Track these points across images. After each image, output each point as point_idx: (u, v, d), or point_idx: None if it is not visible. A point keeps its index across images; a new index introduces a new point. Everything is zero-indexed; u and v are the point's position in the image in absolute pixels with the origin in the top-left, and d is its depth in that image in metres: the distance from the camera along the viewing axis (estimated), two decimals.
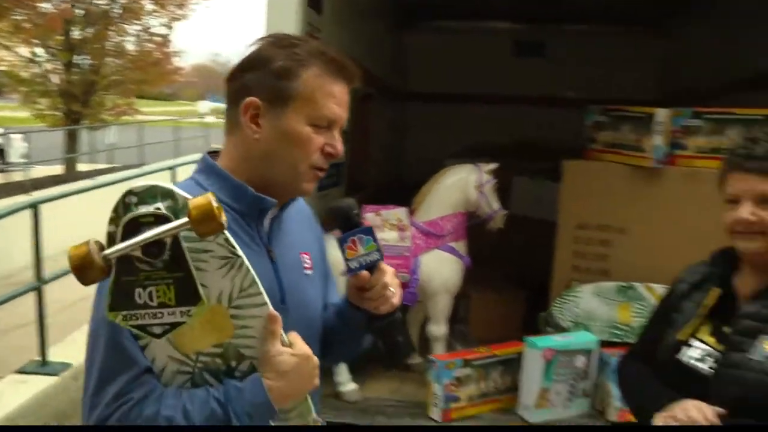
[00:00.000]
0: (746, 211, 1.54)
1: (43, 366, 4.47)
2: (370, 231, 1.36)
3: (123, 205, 1.12)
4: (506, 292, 3.69)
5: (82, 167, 15.97)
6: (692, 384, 1.61)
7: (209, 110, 58.61)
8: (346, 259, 1.33)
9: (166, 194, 1.14)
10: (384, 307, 1.38)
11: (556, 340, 2.74)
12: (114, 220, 1.12)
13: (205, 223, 1.08)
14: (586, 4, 4.98)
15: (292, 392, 1.26)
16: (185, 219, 1.09)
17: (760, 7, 3.70)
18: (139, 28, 16.50)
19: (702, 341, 1.67)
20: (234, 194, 1.31)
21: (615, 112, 3.20)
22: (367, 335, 1.48)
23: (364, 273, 1.34)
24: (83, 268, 1.06)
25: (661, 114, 2.90)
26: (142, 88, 17.60)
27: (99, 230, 1.18)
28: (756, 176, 1.53)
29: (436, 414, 2.66)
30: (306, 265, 1.44)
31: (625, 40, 5.75)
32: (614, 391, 2.66)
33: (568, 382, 2.72)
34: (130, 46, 16.54)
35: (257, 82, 1.30)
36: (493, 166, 3.14)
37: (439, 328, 2.98)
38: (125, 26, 16.30)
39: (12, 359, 4.82)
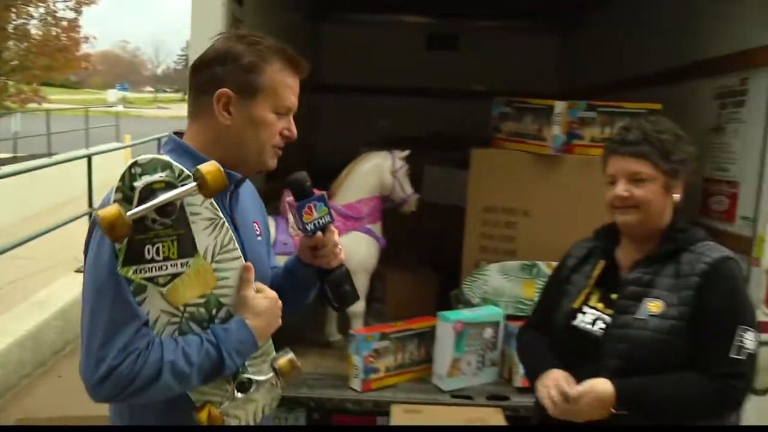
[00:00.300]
0: (621, 189, 1.81)
1: None
2: (322, 198, 1.62)
3: (129, 175, 1.35)
4: (420, 273, 3.90)
5: None
6: (586, 346, 1.87)
7: (117, 99, 56.90)
8: (304, 223, 1.59)
9: (166, 165, 1.38)
10: (334, 262, 1.66)
11: (465, 313, 2.97)
12: (120, 188, 1.35)
13: (214, 186, 1.34)
14: (496, 1, 5.23)
15: (266, 329, 1.53)
16: (194, 183, 1.33)
17: (645, 14, 4.08)
18: (43, 11, 15.92)
19: (593, 308, 1.93)
20: None
21: (518, 103, 3.44)
22: (313, 290, 1.74)
23: (319, 234, 1.60)
24: (114, 226, 1.27)
25: (559, 106, 3.16)
26: (48, 74, 16.94)
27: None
28: (628, 158, 1.80)
29: (356, 384, 2.84)
30: (257, 232, 1.69)
31: (530, 36, 6.07)
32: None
33: (478, 352, 2.95)
34: (35, 30, 15.92)
35: (227, 76, 1.52)
36: (405, 153, 3.35)
37: (357, 305, 3.17)
38: (29, 8, 15.67)
39: None
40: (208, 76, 1.54)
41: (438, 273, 3.88)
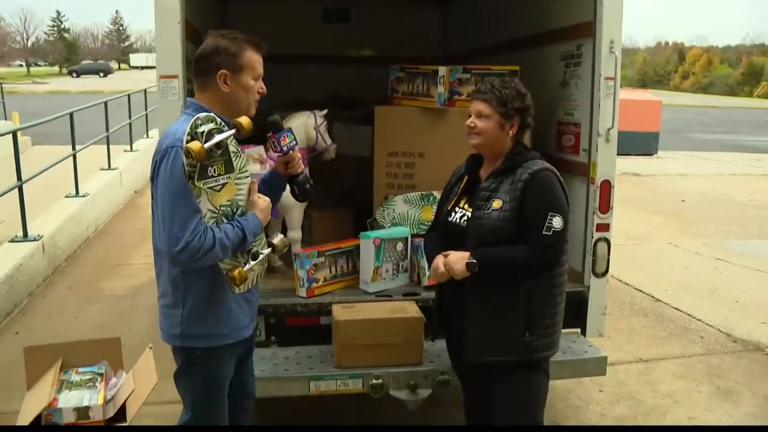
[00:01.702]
0: (469, 120, 2.75)
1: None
2: (290, 130, 2.64)
3: (195, 125, 2.25)
4: (337, 210, 4.74)
5: None
6: (457, 235, 2.82)
7: None
8: (281, 146, 2.57)
9: (213, 119, 2.31)
10: (299, 169, 2.65)
11: (381, 232, 3.83)
12: (189, 133, 2.24)
13: (248, 129, 2.33)
14: None
15: (265, 219, 2.50)
16: (234, 129, 2.31)
17: None
18: None
19: (461, 207, 2.88)
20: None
21: (410, 69, 4.29)
22: (281, 192, 2.76)
23: (290, 152, 2.61)
24: (200, 153, 2.21)
25: (442, 70, 4.03)
26: None
27: None
28: (478, 102, 2.76)
29: (302, 292, 3.63)
30: None
31: (415, 8, 6.91)
32: (424, 264, 3.79)
33: (393, 261, 3.82)
34: None
35: (222, 62, 2.42)
36: (324, 111, 4.15)
37: (296, 233, 3.99)
38: None
39: None
40: (209, 63, 2.44)
41: (352, 209, 4.72)
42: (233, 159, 2.39)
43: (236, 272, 2.42)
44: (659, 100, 19.66)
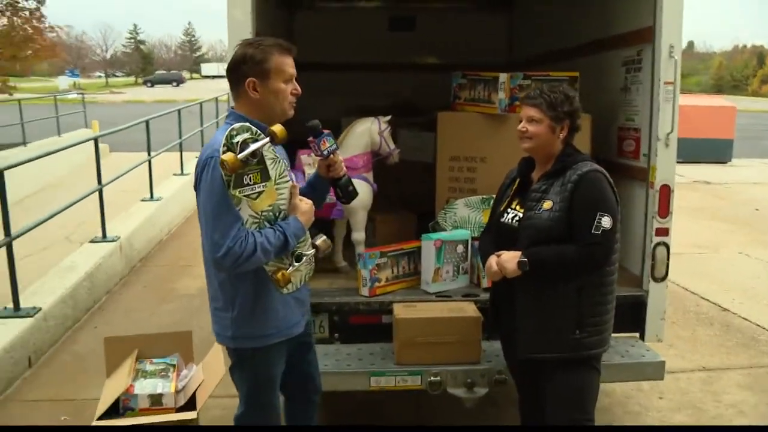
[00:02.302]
0: (521, 126, 2.84)
1: (16, 311, 5.24)
2: (330, 134, 2.69)
3: (230, 136, 2.35)
4: (400, 214, 4.85)
5: None
6: (509, 235, 2.91)
7: (69, 85, 56.05)
8: (321, 150, 2.65)
9: (248, 129, 2.41)
10: (341, 173, 2.73)
11: (442, 234, 3.94)
12: (225, 144, 2.35)
13: (281, 138, 2.42)
14: None
15: (307, 222, 2.59)
16: (268, 138, 2.38)
17: None
18: (5, 1, 16.08)
19: (513, 209, 2.97)
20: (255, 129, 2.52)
21: (472, 76, 4.39)
22: (326, 195, 2.84)
23: (331, 155, 2.67)
24: (234, 164, 2.29)
25: (503, 77, 4.10)
26: (14, 65, 17.16)
27: None
28: (528, 107, 2.83)
29: (365, 291, 3.76)
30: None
31: (480, 16, 6.99)
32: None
33: (453, 263, 3.91)
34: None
35: (249, 70, 2.52)
36: (388, 117, 4.27)
37: (360, 234, 4.12)
38: None
39: None
40: (238, 73, 2.56)
41: (415, 213, 4.84)
42: (270, 167, 2.47)
43: (279, 274, 2.55)
44: (733, 106, 19.09)
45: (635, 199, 4.01)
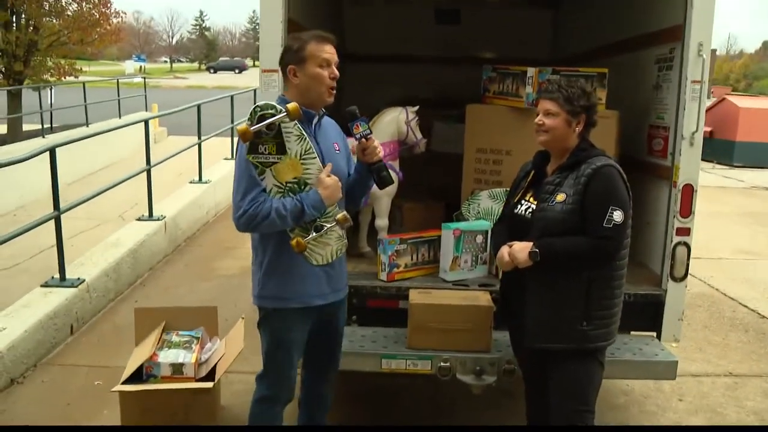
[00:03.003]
0: (538, 119, 2.87)
1: (62, 281, 5.50)
2: (365, 119, 2.81)
3: (253, 111, 2.56)
4: (428, 202, 4.92)
5: (26, 127, 16.29)
6: (522, 226, 2.95)
7: (135, 70, 57.55)
8: (354, 134, 2.77)
9: (271, 107, 2.59)
10: (375, 158, 2.82)
11: (462, 224, 4.00)
12: (250, 117, 2.57)
13: (294, 115, 2.57)
14: None
15: (331, 196, 2.71)
16: (284, 113, 2.55)
17: None
18: None
19: (526, 200, 3.02)
20: None
21: (501, 70, 4.42)
22: (369, 182, 2.92)
23: (363, 140, 2.78)
24: (245, 133, 2.53)
25: (530, 71, 4.13)
26: (83, 48, 17.79)
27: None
28: (545, 100, 2.87)
29: (383, 276, 3.85)
30: (336, 149, 2.89)
31: (526, 11, 6.98)
32: None
33: (472, 253, 3.96)
34: (68, 6, 16.66)
35: (289, 59, 2.75)
36: (416, 108, 4.34)
37: (383, 221, 4.22)
38: None
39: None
40: (282, 63, 2.81)
41: (442, 203, 4.91)
42: (292, 142, 2.67)
43: (294, 241, 2.71)
44: None
45: (661, 198, 3.99)
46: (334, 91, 2.80)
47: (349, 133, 2.87)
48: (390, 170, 4.11)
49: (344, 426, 4.05)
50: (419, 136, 4.32)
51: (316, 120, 2.84)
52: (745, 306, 6.69)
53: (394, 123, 4.25)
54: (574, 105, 2.88)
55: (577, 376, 2.93)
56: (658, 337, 3.85)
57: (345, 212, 2.85)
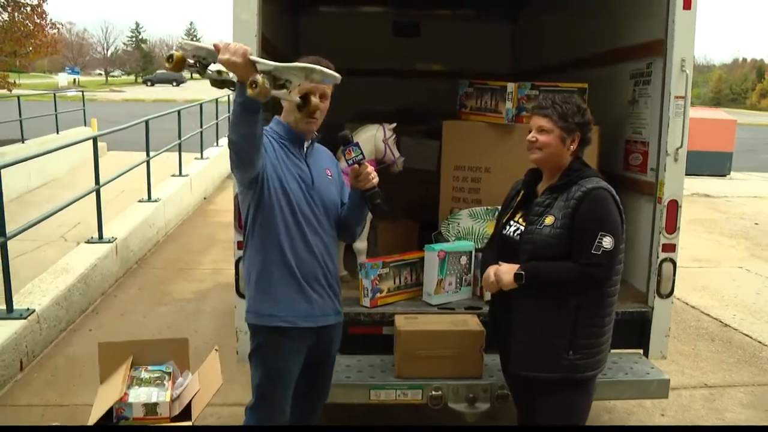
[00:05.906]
0: (530, 135, 2.77)
1: (9, 312, 5.15)
2: (357, 144, 2.67)
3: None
4: (403, 222, 4.78)
5: None
6: (511, 248, 2.84)
7: (68, 83, 55.92)
8: (346, 159, 2.63)
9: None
10: (369, 185, 2.68)
11: (446, 245, 3.88)
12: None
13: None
14: None
15: (230, 59, 2.30)
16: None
17: (576, 6, 4.99)
18: None
19: (515, 221, 2.90)
20: (287, 133, 2.68)
21: (479, 84, 4.33)
22: (363, 210, 2.74)
23: (356, 165, 2.65)
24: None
25: (510, 86, 4.05)
26: (14, 60, 17.06)
27: None
28: (538, 117, 2.77)
29: (366, 302, 3.69)
30: (329, 174, 2.75)
31: (485, 24, 6.94)
32: None
33: (456, 275, 3.84)
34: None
35: None
36: (393, 125, 4.22)
37: (361, 243, 4.06)
38: None
39: None
40: None
41: (417, 222, 4.78)
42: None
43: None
44: (733, 120, 19.09)
45: (641, 214, 3.95)
46: (315, 119, 2.71)
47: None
48: None
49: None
50: (397, 154, 4.20)
51: (308, 144, 2.75)
52: (708, 314, 6.76)
53: (371, 141, 4.11)
54: (568, 122, 2.77)
55: (562, 406, 2.80)
56: (645, 354, 3.80)
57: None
